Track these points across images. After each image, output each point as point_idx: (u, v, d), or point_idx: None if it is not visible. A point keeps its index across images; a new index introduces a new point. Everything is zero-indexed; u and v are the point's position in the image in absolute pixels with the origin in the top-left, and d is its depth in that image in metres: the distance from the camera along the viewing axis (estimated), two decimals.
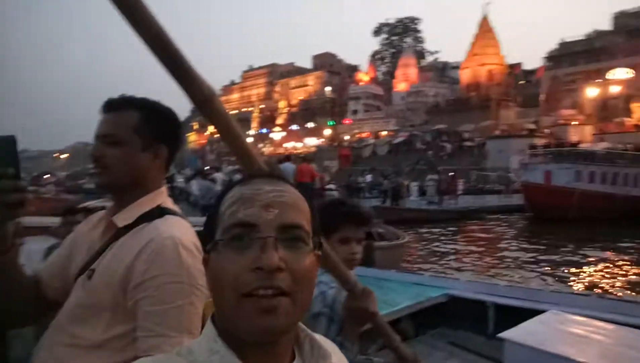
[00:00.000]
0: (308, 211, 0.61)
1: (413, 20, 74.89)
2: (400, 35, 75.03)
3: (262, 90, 78.53)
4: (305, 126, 62.20)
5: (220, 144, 69.39)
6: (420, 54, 72.14)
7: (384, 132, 52.05)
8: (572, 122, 36.80)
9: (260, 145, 64.35)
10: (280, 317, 0.53)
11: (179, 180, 19.21)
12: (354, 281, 1.16)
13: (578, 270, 9.74)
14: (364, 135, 55.15)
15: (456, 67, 61.85)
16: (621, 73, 38.68)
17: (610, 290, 8.16)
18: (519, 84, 49.70)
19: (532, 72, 52.79)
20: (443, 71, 68.42)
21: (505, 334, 2.49)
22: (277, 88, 74.94)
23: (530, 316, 2.88)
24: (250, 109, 75.33)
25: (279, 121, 69.03)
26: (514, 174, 25.76)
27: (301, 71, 74.35)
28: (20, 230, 1.06)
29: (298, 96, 70.91)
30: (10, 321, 1.16)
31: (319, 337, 0.67)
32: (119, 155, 1.06)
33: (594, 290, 8.18)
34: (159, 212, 1.08)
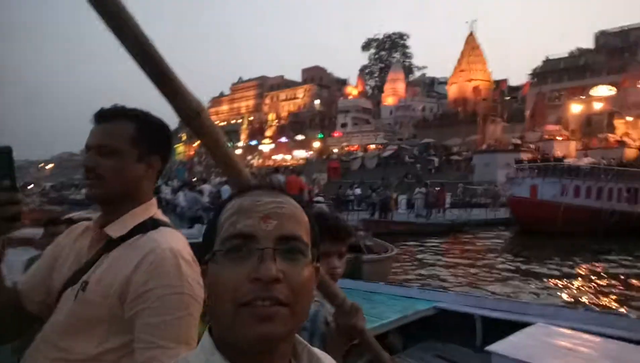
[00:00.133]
0: (307, 222, 0.61)
1: (401, 36, 76.00)
2: (388, 50, 76.02)
3: (251, 102, 78.69)
4: (295, 138, 62.33)
5: (208, 155, 69.14)
6: (408, 69, 73.04)
7: (373, 146, 52.34)
8: (557, 138, 37.44)
9: (250, 157, 64.27)
10: (278, 325, 0.53)
11: (166, 191, 19.04)
12: (342, 296, 1.15)
13: (564, 283, 9.82)
14: (352, 148, 55.40)
15: (444, 82, 62.76)
16: (604, 90, 39.56)
17: (595, 303, 8.23)
18: (505, 99, 50.53)
19: (517, 89, 53.82)
20: (431, 86, 69.35)
21: (493, 347, 2.49)
22: (267, 100, 75.15)
23: (517, 329, 2.89)
24: (239, 121, 75.36)
25: (268, 133, 69.10)
26: (500, 188, 26.07)
27: (290, 84, 74.72)
28: (5, 242, 1.03)
29: (287, 108, 71.16)
30: None
31: (317, 350, 0.66)
32: (114, 166, 1.05)
33: (580, 302, 8.24)
34: (153, 224, 1.07)
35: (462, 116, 47.99)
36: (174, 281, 0.96)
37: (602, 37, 51.60)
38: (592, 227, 16.67)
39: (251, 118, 75.00)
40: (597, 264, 11.86)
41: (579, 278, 10.31)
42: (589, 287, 9.56)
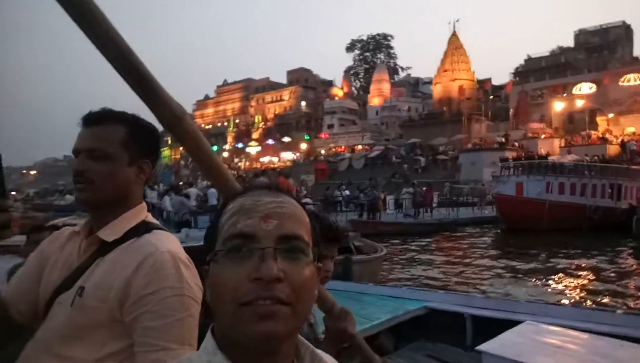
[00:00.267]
0: (308, 222, 0.62)
1: (385, 36, 76.42)
2: (373, 51, 76.39)
3: (237, 105, 78.36)
4: (282, 140, 62.22)
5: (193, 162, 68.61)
6: (393, 70, 73.51)
7: (360, 146, 52.50)
8: (541, 135, 37.98)
9: (236, 160, 64.00)
10: (279, 324, 0.53)
11: (152, 196, 18.84)
12: (332, 301, 1.14)
13: (551, 280, 9.94)
14: (339, 149, 55.50)
15: (428, 82, 63.24)
16: (585, 88, 40.26)
17: (582, 299, 8.34)
18: (488, 98, 51.09)
19: (501, 88, 54.46)
20: (416, 86, 69.84)
21: (483, 347, 2.50)
22: (253, 103, 74.92)
23: (507, 327, 2.91)
24: (225, 123, 74.99)
25: (255, 135, 68.88)
26: (487, 186, 26.33)
27: (276, 86, 74.59)
28: None
29: (273, 110, 71.02)
30: None
31: (320, 352, 0.67)
32: (105, 170, 1.04)
33: (568, 298, 8.35)
34: (146, 227, 1.07)
35: (447, 115, 48.41)
36: (175, 283, 0.96)
37: (582, 35, 52.59)
38: (577, 223, 16.96)
39: (237, 121, 74.70)
40: (582, 260, 12.03)
41: (566, 275, 10.45)
42: (576, 283, 9.69)
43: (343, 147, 55.51)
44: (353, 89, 73.20)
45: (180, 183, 24.42)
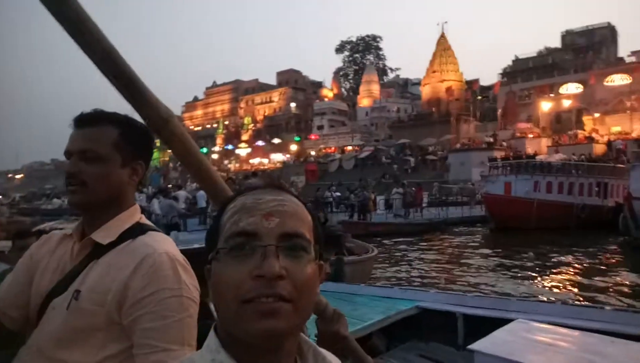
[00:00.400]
0: (309, 220, 0.62)
1: (374, 38, 76.69)
2: (362, 52, 76.60)
3: (226, 106, 78.10)
4: (272, 141, 62.13)
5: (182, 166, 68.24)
6: (382, 71, 73.78)
7: (350, 147, 52.61)
8: (528, 135, 38.38)
9: (226, 161, 63.75)
10: (281, 321, 0.54)
11: (140, 198, 18.69)
12: (324, 303, 1.13)
13: (541, 277, 10.04)
14: (329, 150, 55.55)
15: (417, 83, 63.59)
16: (572, 88, 40.78)
17: (572, 296, 8.43)
18: (477, 99, 51.53)
19: (489, 88, 54.96)
20: (405, 87, 70.18)
21: (475, 345, 2.51)
22: (242, 104, 74.72)
23: (498, 325, 2.92)
24: (214, 125, 74.67)
25: (245, 137, 68.68)
26: (476, 186, 26.52)
27: (265, 87, 74.50)
28: None
29: (263, 112, 70.90)
30: None
31: (323, 350, 0.67)
32: (98, 172, 1.03)
33: (558, 296, 8.43)
34: (140, 229, 1.06)
35: (436, 116, 48.71)
36: (173, 284, 0.96)
37: (569, 36, 53.32)
38: (565, 222, 17.16)
39: (226, 122, 74.43)
40: (570, 258, 12.17)
41: (555, 272, 10.56)
42: (565, 281, 9.80)
43: (333, 148, 55.59)
44: (342, 90, 73.33)
45: (169, 186, 24.24)
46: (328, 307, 1.15)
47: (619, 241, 14.55)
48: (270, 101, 71.04)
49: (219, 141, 70.86)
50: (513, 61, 55.98)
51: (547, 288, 9.19)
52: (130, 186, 1.10)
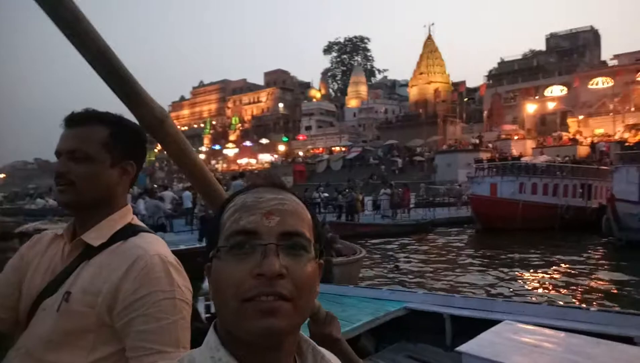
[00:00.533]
0: (309, 219, 0.62)
1: (362, 39, 77.01)
2: (350, 53, 76.86)
3: (213, 106, 77.68)
4: (259, 142, 61.95)
5: (171, 161, 67.82)
6: (370, 72, 74.09)
7: (338, 148, 52.70)
8: (514, 137, 38.85)
9: (213, 161, 63.37)
10: (281, 319, 0.54)
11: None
12: (317, 305, 1.14)
13: (526, 278, 10.17)
14: (317, 151, 55.58)
15: (404, 84, 63.97)
16: (556, 90, 41.37)
17: (557, 296, 8.55)
18: (463, 101, 52.03)
19: (475, 90, 55.52)
20: (392, 89, 70.55)
21: (463, 347, 2.53)
22: (229, 104, 74.38)
23: (485, 326, 2.96)
24: (201, 125, 74.22)
25: (232, 137, 68.36)
26: (462, 187, 26.77)
27: (253, 88, 74.27)
28: None
29: (251, 112, 70.66)
30: None
31: (322, 349, 0.67)
32: (87, 171, 1.02)
33: (543, 296, 8.55)
34: (132, 230, 1.05)
35: (423, 117, 49.07)
36: (166, 287, 0.95)
37: (553, 39, 54.09)
38: (550, 223, 17.41)
39: (214, 122, 74.01)
40: (555, 258, 12.34)
41: (540, 273, 10.70)
42: (550, 281, 9.93)
43: (321, 149, 55.64)
44: (330, 91, 73.47)
45: (155, 186, 24.05)
46: (321, 309, 1.15)
47: (603, 242, 14.81)
48: (258, 101, 70.83)
49: (206, 141, 70.44)
50: (499, 64, 56.63)
51: (532, 289, 9.30)
52: (121, 187, 1.09)
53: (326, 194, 24.26)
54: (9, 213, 25.10)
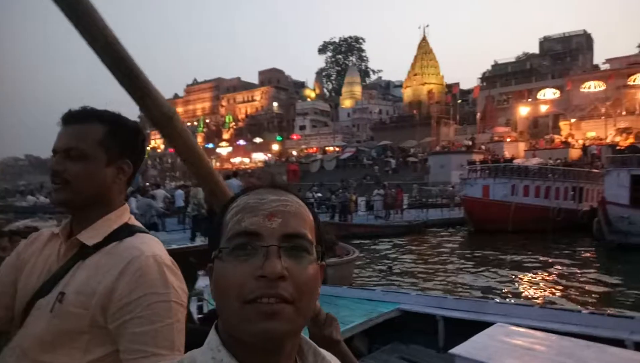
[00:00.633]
0: (312, 220, 0.62)
1: (357, 39, 77.07)
2: (345, 53, 76.90)
3: (207, 104, 77.38)
4: (253, 141, 61.81)
5: (164, 159, 67.53)
6: (364, 73, 74.16)
7: (331, 148, 52.74)
8: (506, 139, 39.08)
9: None
10: (283, 322, 0.54)
11: None
12: (318, 307, 1.13)
13: (518, 280, 10.24)
14: (311, 150, 55.57)
15: (399, 85, 64.14)
16: (549, 93, 41.68)
17: (549, 298, 8.62)
18: (457, 102, 52.27)
19: (468, 92, 55.79)
20: (387, 89, 70.70)
21: (456, 350, 2.54)
22: (223, 102, 74.14)
23: (477, 327, 2.97)
24: (195, 123, 73.95)
25: (226, 135, 68.18)
26: (457, 188, 26.88)
27: (247, 86, 74.06)
28: None
29: (245, 110, 70.49)
30: None
31: (323, 351, 0.67)
32: (82, 170, 1.01)
33: (535, 298, 8.61)
34: (129, 230, 1.04)
35: (417, 118, 49.22)
36: (160, 289, 0.94)
37: (547, 42, 54.50)
38: (541, 225, 17.52)
39: (207, 120, 73.74)
40: (547, 260, 12.44)
41: (532, 275, 10.78)
42: (542, 283, 10.01)
43: (315, 148, 55.64)
44: (325, 90, 73.46)
45: (147, 184, 23.90)
46: (322, 311, 1.15)
47: (594, 245, 14.95)
48: (252, 100, 70.67)
49: (199, 139, 70.14)
50: (492, 66, 56.98)
51: (524, 290, 9.37)
52: (117, 186, 1.08)
53: (319, 194, 24.27)
54: None
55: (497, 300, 5.01)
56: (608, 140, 33.94)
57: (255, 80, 74.96)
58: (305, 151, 56.39)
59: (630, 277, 10.21)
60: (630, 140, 31.67)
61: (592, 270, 11.43)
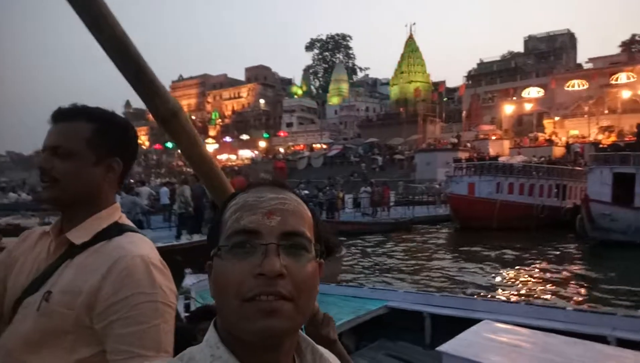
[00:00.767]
0: (310, 218, 0.62)
1: (344, 37, 77.09)
2: (332, 51, 76.90)
3: (193, 100, 76.72)
4: (240, 138, 61.49)
5: (149, 156, 66.83)
6: (351, 70, 74.26)
7: (318, 145, 52.73)
8: (491, 137, 39.47)
9: None
10: (282, 320, 0.54)
11: None
12: (316, 307, 1.12)
13: (503, 277, 10.36)
14: (298, 148, 55.50)
15: (386, 83, 64.37)
16: (534, 92, 42.20)
17: (534, 294, 8.74)
18: (443, 100, 52.65)
19: (454, 90, 56.22)
20: (373, 87, 70.94)
21: (443, 347, 2.56)
22: (209, 99, 73.60)
23: (464, 324, 3.00)
24: None
25: (212, 132, 67.69)
26: (442, 185, 27.09)
27: (234, 83, 73.61)
28: None
29: (231, 107, 70.07)
30: None
31: (321, 348, 0.67)
32: (68, 168, 1.00)
33: (520, 295, 8.72)
34: (118, 229, 1.03)
35: (403, 116, 49.48)
36: (147, 289, 0.93)
37: (531, 41, 55.20)
38: (526, 222, 17.77)
39: (193, 117, 73.12)
40: (531, 257, 12.62)
41: (517, 272, 10.92)
42: (526, 279, 10.15)
43: (302, 145, 55.56)
44: (312, 88, 73.38)
45: (132, 181, 23.61)
46: (319, 311, 1.14)
47: (577, 242, 15.19)
48: (239, 97, 70.26)
49: None
50: (478, 64, 57.52)
51: (509, 287, 9.49)
52: (108, 185, 1.06)
53: (307, 192, 24.25)
54: None
55: (484, 297, 5.07)
56: (591, 138, 34.48)
57: (242, 77, 74.56)
58: (292, 148, 56.28)
59: (612, 274, 10.41)
60: (613, 138, 32.24)
61: (575, 267, 11.62)
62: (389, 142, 45.35)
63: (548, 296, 8.53)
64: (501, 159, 26.68)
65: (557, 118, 39.26)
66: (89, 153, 1.02)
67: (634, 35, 51.56)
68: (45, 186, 1.01)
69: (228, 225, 0.59)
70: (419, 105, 49.41)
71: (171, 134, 0.92)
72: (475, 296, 7.15)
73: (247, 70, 73.84)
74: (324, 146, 50.98)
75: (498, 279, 10.12)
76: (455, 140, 39.04)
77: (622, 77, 37.40)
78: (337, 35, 76.79)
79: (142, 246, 1.00)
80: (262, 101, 66.51)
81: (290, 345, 0.60)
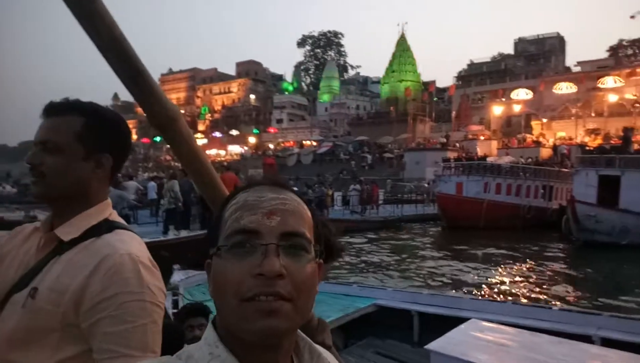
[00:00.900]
0: (310, 219, 0.62)
1: (336, 34, 77.08)
2: (323, 48, 76.83)
3: (182, 94, 76.13)
4: (229, 133, 61.16)
5: (137, 150, 66.17)
6: (343, 68, 74.29)
7: (308, 142, 52.69)
8: (480, 137, 39.80)
9: None
10: (281, 320, 0.54)
11: None
12: (311, 314, 1.11)
13: (490, 276, 10.46)
14: (288, 144, 55.40)
15: (377, 82, 64.52)
16: (522, 93, 42.63)
17: (519, 294, 8.84)
18: (433, 100, 52.93)
19: (444, 90, 56.53)
20: (364, 85, 71.02)
21: (431, 346, 2.58)
22: (199, 93, 73.07)
23: (451, 323, 3.02)
24: None
25: (201, 127, 67.26)
26: (431, 184, 27.24)
27: (224, 78, 73.16)
28: None
29: (221, 102, 69.65)
30: None
31: (318, 347, 0.67)
32: (57, 163, 0.98)
33: (506, 294, 8.81)
34: (108, 226, 1.01)
35: (394, 115, 49.68)
36: (134, 288, 0.91)
37: (521, 43, 55.66)
38: (512, 222, 17.97)
39: (182, 111, 72.06)
40: (518, 257, 12.76)
41: (503, 271, 11.04)
42: (512, 278, 10.26)
43: (292, 142, 55.48)
44: (303, 84, 73.25)
45: (119, 175, 23.37)
46: (313, 316, 1.13)
47: (562, 242, 15.40)
48: (229, 92, 69.87)
49: None
50: (468, 65, 57.93)
51: (495, 286, 9.58)
52: (98, 181, 1.04)
53: (296, 189, 24.13)
54: None
55: (471, 296, 5.11)
56: (577, 140, 34.94)
57: (232, 71, 74.12)
58: (282, 144, 56.18)
59: (597, 274, 10.58)
60: (599, 141, 32.67)
61: (560, 267, 11.78)
62: (379, 140, 45.49)
63: (533, 295, 8.63)
64: (489, 159, 26.90)
65: (545, 120, 39.73)
66: (78, 147, 1.00)
67: (620, 41, 52.36)
68: (34, 181, 0.99)
69: (228, 224, 0.58)
70: (409, 104, 49.62)
71: (169, 141, 0.90)
72: (463, 295, 7.21)
73: (238, 65, 73.43)
74: (314, 143, 50.96)
75: (485, 278, 10.21)
76: (444, 140, 39.30)
77: (609, 81, 37.98)
78: (329, 32, 76.78)
79: (132, 244, 0.98)
80: (252, 97, 66.22)
81: (288, 345, 0.60)
